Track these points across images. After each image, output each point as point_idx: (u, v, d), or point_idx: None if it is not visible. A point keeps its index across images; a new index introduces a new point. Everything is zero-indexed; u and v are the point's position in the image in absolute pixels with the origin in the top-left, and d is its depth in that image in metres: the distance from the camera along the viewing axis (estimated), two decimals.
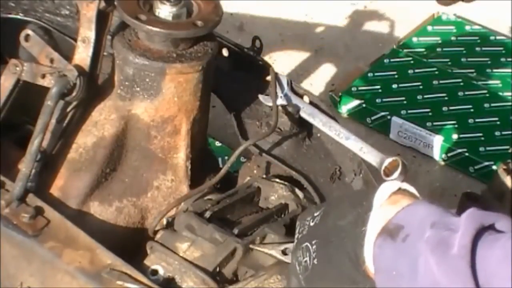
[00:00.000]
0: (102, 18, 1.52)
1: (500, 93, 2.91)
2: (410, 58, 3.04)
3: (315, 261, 1.23)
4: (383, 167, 1.47)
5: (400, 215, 1.13)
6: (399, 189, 1.19)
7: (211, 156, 1.79)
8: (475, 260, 1.01)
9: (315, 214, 1.27)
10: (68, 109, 1.55)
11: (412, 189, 1.20)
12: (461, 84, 2.95)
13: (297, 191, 1.59)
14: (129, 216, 1.57)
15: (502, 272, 0.99)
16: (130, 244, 1.51)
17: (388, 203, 1.16)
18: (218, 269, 1.40)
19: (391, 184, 1.20)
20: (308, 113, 1.65)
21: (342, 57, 3.11)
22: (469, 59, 3.07)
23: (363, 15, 3.30)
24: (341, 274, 1.19)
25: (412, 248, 1.08)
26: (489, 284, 0.99)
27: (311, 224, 1.26)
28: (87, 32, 1.51)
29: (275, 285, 1.38)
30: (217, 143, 2.50)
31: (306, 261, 1.24)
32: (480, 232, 1.03)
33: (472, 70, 3.02)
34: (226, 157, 2.20)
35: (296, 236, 1.28)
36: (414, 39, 3.14)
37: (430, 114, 2.82)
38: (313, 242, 1.24)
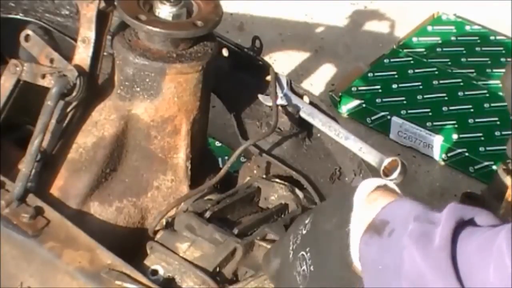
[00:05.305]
0: (102, 18, 1.52)
1: (500, 93, 2.90)
2: (410, 58, 3.03)
3: (311, 268, 1.23)
4: (382, 167, 1.47)
5: (385, 210, 1.14)
6: (379, 186, 1.19)
7: (211, 156, 1.79)
8: (456, 251, 1.03)
9: (306, 222, 1.26)
10: (68, 109, 1.55)
11: (392, 184, 1.20)
12: (461, 84, 2.95)
13: (297, 191, 1.59)
14: (129, 216, 1.57)
15: (479, 262, 1.00)
16: (130, 244, 1.51)
17: (368, 201, 1.17)
18: (218, 269, 1.40)
19: (370, 181, 1.20)
20: (308, 113, 1.65)
21: (342, 57, 3.11)
22: (469, 59, 3.07)
23: (363, 15, 3.30)
24: (335, 277, 1.20)
25: (397, 242, 1.09)
26: (468, 275, 1.01)
27: (304, 232, 1.26)
28: (87, 32, 1.51)
29: None
30: (217, 143, 2.50)
31: (304, 270, 1.24)
32: (461, 225, 1.05)
33: (472, 70, 3.02)
34: (226, 157, 2.20)
35: (291, 248, 1.28)
36: (414, 39, 3.14)
37: (430, 114, 2.81)
38: (307, 249, 1.24)
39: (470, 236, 1.04)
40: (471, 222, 1.06)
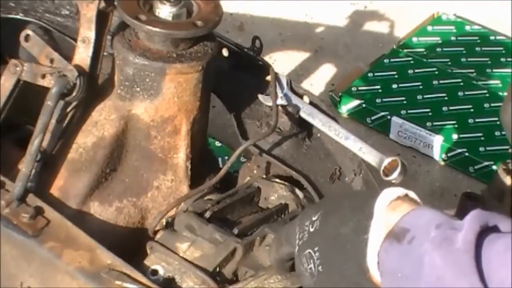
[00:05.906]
0: (102, 18, 1.52)
1: (500, 93, 2.91)
2: (410, 58, 3.04)
3: (320, 269, 1.22)
4: (382, 167, 1.47)
5: (406, 218, 1.13)
6: (399, 196, 1.18)
7: (211, 156, 1.79)
8: (480, 255, 1.02)
9: (313, 219, 1.25)
10: (68, 109, 1.55)
11: (413, 194, 1.19)
12: (461, 84, 2.96)
13: (297, 191, 1.58)
14: (129, 216, 1.57)
15: (500, 264, 1.00)
16: (130, 244, 1.51)
17: (388, 209, 1.16)
18: (218, 269, 1.40)
19: (392, 191, 1.19)
20: (308, 113, 1.65)
21: (342, 57, 3.12)
22: (469, 59, 3.07)
23: (363, 15, 3.30)
24: (348, 281, 1.19)
25: (417, 249, 1.08)
26: (491, 277, 1.01)
27: (311, 229, 1.25)
28: (87, 32, 1.51)
29: (275, 285, 1.38)
30: (217, 143, 2.51)
31: (311, 268, 1.24)
32: (485, 231, 1.05)
33: (472, 70, 3.02)
34: (226, 157, 2.20)
35: (296, 242, 1.27)
36: (414, 39, 3.14)
37: (430, 114, 2.82)
38: (315, 249, 1.23)
39: (495, 241, 1.03)
40: (495, 229, 1.06)
